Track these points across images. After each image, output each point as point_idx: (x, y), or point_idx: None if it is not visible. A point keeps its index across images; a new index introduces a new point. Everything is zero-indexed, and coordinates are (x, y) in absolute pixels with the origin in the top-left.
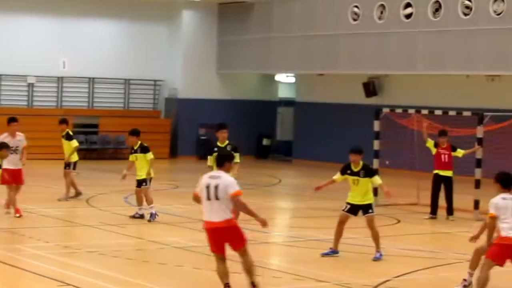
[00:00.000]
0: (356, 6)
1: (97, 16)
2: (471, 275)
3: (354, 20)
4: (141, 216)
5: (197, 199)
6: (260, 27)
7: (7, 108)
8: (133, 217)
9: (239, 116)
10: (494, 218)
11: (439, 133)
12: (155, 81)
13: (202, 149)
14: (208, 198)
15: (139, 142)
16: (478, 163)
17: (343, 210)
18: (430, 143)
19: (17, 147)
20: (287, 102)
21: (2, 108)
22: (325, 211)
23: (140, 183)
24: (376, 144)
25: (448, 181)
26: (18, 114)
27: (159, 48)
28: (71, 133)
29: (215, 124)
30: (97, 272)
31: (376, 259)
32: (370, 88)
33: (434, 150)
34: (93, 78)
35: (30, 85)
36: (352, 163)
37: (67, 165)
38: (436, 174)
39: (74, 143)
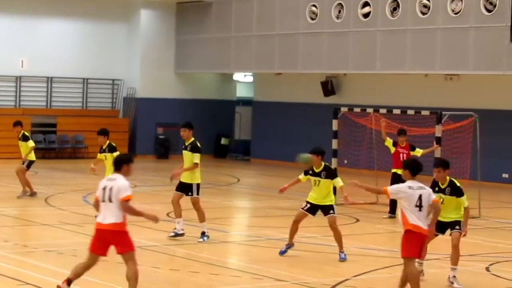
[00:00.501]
0: (314, 5)
1: (56, 15)
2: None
3: (312, 19)
4: None
5: (96, 204)
6: (218, 26)
7: None
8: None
9: (198, 116)
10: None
11: (398, 132)
12: (113, 80)
13: (160, 148)
14: (103, 200)
15: (108, 141)
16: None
17: (302, 208)
18: (388, 142)
19: None
20: (245, 102)
21: None
22: (284, 210)
23: None
24: (334, 143)
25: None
26: None
27: (117, 47)
28: (27, 133)
29: (173, 123)
30: (56, 271)
31: (342, 260)
32: (328, 87)
33: (392, 149)
34: (52, 77)
35: None
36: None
37: (23, 162)
38: (395, 173)
39: (31, 143)
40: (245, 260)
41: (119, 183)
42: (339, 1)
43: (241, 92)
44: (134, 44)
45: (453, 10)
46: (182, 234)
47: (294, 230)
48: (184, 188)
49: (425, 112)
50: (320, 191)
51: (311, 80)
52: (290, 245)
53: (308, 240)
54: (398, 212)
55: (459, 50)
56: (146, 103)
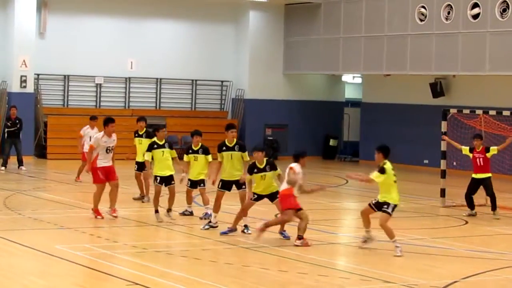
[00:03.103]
0: (423, 7)
1: (165, 17)
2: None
3: (421, 20)
4: (191, 213)
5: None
6: (327, 27)
7: (75, 109)
8: (183, 214)
9: (306, 117)
10: None
11: (473, 137)
12: (222, 81)
13: (269, 149)
14: None
15: (201, 143)
16: None
17: (251, 199)
18: (465, 149)
19: (112, 146)
20: (354, 103)
21: (70, 109)
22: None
23: (197, 183)
24: (443, 145)
25: (485, 182)
26: (86, 114)
27: (226, 49)
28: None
29: (281, 125)
30: (165, 272)
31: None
32: (437, 88)
33: (470, 155)
34: (160, 78)
35: (98, 86)
36: (256, 160)
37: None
38: (473, 178)
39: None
40: (353, 262)
41: None
42: (448, 2)
43: (350, 93)
44: (243, 46)
45: None
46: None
47: (240, 216)
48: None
49: None
50: (266, 184)
51: (420, 81)
52: (232, 229)
53: (416, 242)
54: None
55: None
56: (254, 105)
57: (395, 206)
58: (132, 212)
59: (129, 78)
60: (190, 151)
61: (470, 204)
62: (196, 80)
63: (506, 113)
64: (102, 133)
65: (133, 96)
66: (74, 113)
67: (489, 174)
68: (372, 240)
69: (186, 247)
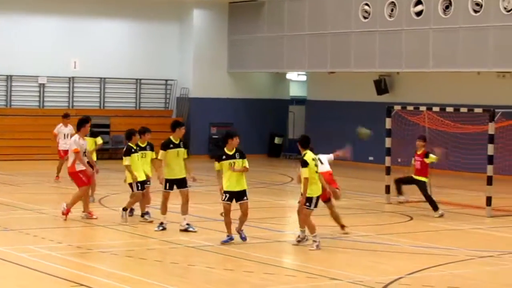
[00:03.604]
0: (367, 4)
1: (109, 16)
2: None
3: (365, 18)
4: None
5: None
6: (271, 25)
7: (19, 109)
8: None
9: (251, 115)
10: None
11: (418, 137)
12: (166, 80)
13: (214, 148)
14: None
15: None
16: (490, 160)
17: (224, 200)
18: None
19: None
20: (299, 101)
21: (13, 109)
22: (338, 209)
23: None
24: (388, 142)
25: (419, 185)
26: (29, 114)
27: (170, 48)
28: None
29: (226, 123)
30: (111, 272)
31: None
32: (382, 85)
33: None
34: (105, 78)
35: (41, 86)
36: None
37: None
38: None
39: (100, 140)
40: (299, 260)
41: None
42: (392, 0)
43: (294, 91)
44: (187, 44)
45: (505, 8)
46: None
47: (229, 222)
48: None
49: (478, 110)
50: (234, 175)
51: (364, 78)
52: (231, 236)
53: (362, 239)
54: None
55: (511, 47)
56: (199, 103)
57: (315, 198)
58: (76, 212)
59: (73, 77)
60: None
61: (398, 190)
62: (140, 79)
63: (449, 109)
64: (77, 136)
65: (77, 96)
66: (17, 114)
67: (425, 179)
68: (306, 239)
69: (131, 247)
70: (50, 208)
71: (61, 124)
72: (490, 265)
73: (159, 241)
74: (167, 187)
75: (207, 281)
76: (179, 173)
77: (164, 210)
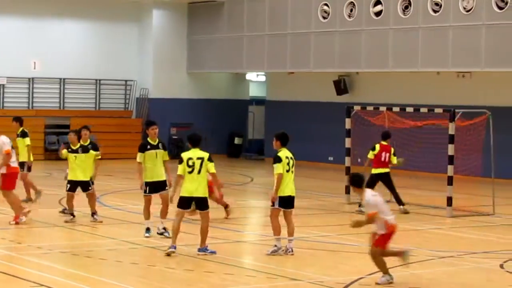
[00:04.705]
0: (326, 4)
1: (67, 17)
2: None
3: (324, 18)
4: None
5: None
6: (230, 26)
7: None
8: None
9: (211, 115)
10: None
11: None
12: (126, 81)
13: (174, 149)
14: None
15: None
16: (451, 160)
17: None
18: (371, 154)
19: None
20: (258, 101)
21: None
22: (299, 209)
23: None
24: (347, 142)
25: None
26: None
27: (129, 48)
28: (26, 130)
29: (186, 124)
30: (70, 272)
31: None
32: (341, 86)
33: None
34: (64, 78)
35: (1, 86)
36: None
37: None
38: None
39: (28, 141)
40: (259, 260)
41: None
42: (351, 0)
43: (254, 91)
44: (146, 45)
45: (464, 8)
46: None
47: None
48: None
49: (438, 110)
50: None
51: (324, 79)
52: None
53: (322, 239)
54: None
55: (471, 48)
56: (159, 104)
57: (282, 198)
58: (33, 212)
59: (33, 78)
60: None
61: (399, 201)
62: (100, 80)
63: (409, 109)
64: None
65: (36, 97)
66: None
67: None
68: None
69: (91, 247)
70: (9, 208)
71: None
72: (450, 265)
73: (119, 241)
74: (147, 191)
75: (166, 281)
76: (159, 176)
77: (147, 215)
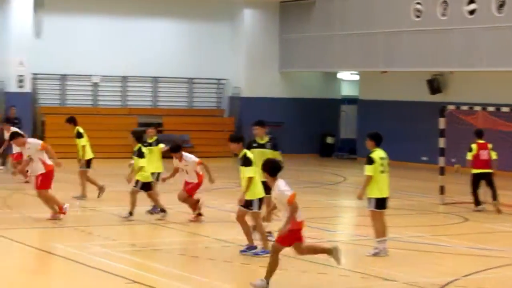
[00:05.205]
0: (419, 3)
1: (161, 16)
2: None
3: (417, 17)
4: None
5: None
6: (322, 24)
7: (73, 108)
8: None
9: (302, 115)
10: None
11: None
12: (218, 80)
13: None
14: None
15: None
16: None
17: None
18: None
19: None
20: (350, 100)
21: (67, 108)
22: (390, 209)
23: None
24: (441, 142)
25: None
26: (83, 113)
27: (222, 47)
28: (81, 131)
29: (277, 122)
30: (164, 269)
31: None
32: (435, 85)
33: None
34: (157, 77)
35: (95, 85)
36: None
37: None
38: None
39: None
40: (352, 260)
41: None
42: None
43: (346, 90)
44: (238, 44)
45: None
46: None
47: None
48: None
49: None
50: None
51: (417, 78)
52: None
53: (415, 240)
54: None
55: None
56: (250, 102)
57: (380, 200)
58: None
59: (126, 76)
60: (255, 144)
61: (477, 201)
62: (192, 79)
63: (505, 109)
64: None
65: (130, 95)
66: (71, 112)
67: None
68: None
69: (184, 245)
70: (104, 206)
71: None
72: None
73: (212, 239)
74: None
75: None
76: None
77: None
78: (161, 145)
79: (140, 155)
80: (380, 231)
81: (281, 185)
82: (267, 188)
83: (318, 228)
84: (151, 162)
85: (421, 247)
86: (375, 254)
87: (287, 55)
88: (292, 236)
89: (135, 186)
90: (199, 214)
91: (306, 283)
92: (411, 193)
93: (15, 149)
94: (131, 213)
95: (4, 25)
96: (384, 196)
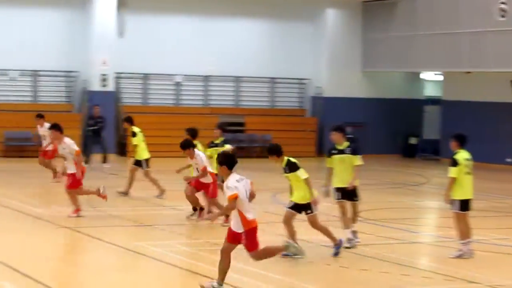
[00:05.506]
0: (503, 3)
1: (243, 15)
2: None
3: (502, 16)
4: None
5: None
6: (405, 24)
7: (154, 107)
8: None
9: (385, 115)
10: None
11: None
12: (300, 79)
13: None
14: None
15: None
16: None
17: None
18: None
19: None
20: (434, 101)
21: (149, 107)
22: (474, 211)
23: None
24: None
25: None
26: (165, 112)
27: (304, 47)
28: (136, 130)
29: (360, 123)
30: (246, 269)
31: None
32: None
33: None
34: (239, 76)
35: (177, 84)
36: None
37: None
38: None
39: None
40: (435, 261)
41: None
42: None
43: (429, 91)
44: (321, 43)
45: None
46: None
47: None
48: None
49: None
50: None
51: (501, 78)
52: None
53: (500, 242)
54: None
55: None
56: (333, 102)
57: (464, 201)
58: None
59: (208, 76)
60: (334, 151)
61: None
62: (274, 78)
63: None
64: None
65: (211, 95)
66: (154, 111)
67: None
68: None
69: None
70: (185, 205)
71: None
72: None
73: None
74: (339, 197)
75: (341, 280)
76: (345, 182)
77: (346, 223)
78: (227, 146)
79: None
80: (464, 233)
81: (231, 181)
82: (345, 194)
83: (400, 229)
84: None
85: (506, 250)
86: (459, 256)
87: (370, 55)
88: (249, 236)
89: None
90: (201, 209)
91: (389, 283)
92: (496, 195)
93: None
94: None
95: (87, 25)
96: (468, 197)
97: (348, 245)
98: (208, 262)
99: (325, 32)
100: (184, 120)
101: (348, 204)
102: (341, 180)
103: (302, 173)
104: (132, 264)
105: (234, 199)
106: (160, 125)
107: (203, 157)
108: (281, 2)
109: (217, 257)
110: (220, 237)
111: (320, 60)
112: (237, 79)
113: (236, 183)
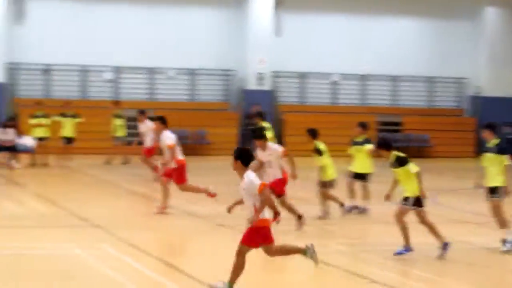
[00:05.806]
0: None
1: (400, 14)
2: None
3: None
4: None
5: None
6: None
7: (311, 106)
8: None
9: None
10: None
11: None
12: (458, 78)
13: (510, 148)
14: None
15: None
16: None
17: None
18: None
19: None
20: None
21: (306, 106)
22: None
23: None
24: None
25: None
26: (322, 111)
27: (461, 45)
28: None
29: None
30: (402, 269)
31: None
32: None
33: None
34: (396, 76)
35: (334, 83)
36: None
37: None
38: None
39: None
40: None
41: None
42: None
43: None
44: (480, 42)
45: None
46: None
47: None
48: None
49: None
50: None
51: None
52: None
53: None
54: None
55: None
56: (492, 102)
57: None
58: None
59: (365, 75)
60: (484, 149)
61: None
62: (432, 77)
63: None
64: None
65: (368, 94)
66: (310, 111)
67: None
68: None
69: (420, 246)
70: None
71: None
72: None
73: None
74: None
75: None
76: (490, 182)
77: (501, 222)
78: (368, 145)
79: (318, 153)
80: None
81: (251, 175)
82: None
83: None
84: (357, 162)
85: None
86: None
87: None
88: (258, 235)
89: (323, 187)
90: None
91: (472, 276)
92: None
93: (147, 141)
94: (342, 205)
95: (244, 24)
96: None
97: (504, 248)
98: (362, 262)
99: (485, 31)
100: (341, 119)
101: (498, 203)
102: (487, 179)
103: (412, 167)
104: (288, 263)
105: (266, 186)
106: (317, 124)
107: (276, 148)
108: (438, 0)
109: (372, 257)
110: (371, 238)
111: (479, 59)
112: (394, 78)
113: (256, 177)
